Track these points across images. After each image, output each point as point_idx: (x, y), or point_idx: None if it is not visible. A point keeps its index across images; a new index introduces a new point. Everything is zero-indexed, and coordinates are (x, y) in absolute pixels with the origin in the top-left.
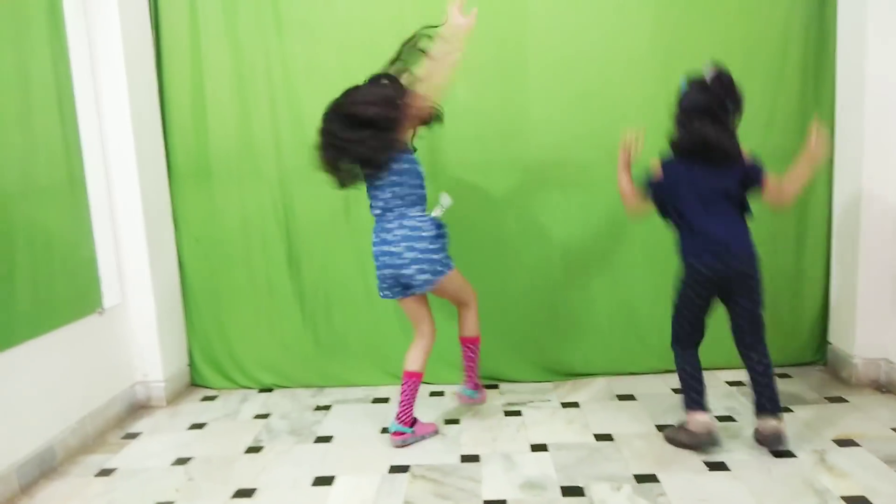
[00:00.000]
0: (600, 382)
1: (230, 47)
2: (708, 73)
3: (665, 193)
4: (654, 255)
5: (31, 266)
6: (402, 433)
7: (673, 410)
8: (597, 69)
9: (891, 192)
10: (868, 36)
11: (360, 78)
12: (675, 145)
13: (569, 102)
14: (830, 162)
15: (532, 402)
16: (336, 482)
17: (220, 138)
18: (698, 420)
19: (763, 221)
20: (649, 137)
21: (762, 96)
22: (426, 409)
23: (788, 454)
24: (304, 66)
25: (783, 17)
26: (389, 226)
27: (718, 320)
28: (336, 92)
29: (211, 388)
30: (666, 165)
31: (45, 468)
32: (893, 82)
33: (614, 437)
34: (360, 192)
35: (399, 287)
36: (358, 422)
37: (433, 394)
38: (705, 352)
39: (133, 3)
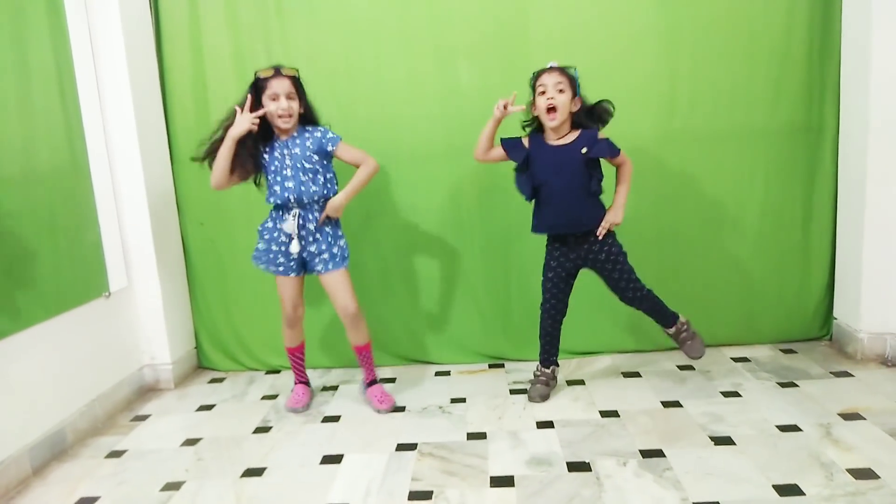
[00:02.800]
0: (605, 360)
1: (230, 30)
2: (551, 64)
3: None
4: (659, 231)
5: (36, 251)
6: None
7: (678, 386)
8: (599, 46)
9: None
10: (873, 11)
11: (362, 60)
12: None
13: None
14: (836, 138)
15: None
16: (344, 461)
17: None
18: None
19: (769, 198)
20: (650, 112)
21: (767, 74)
22: (432, 388)
23: (794, 428)
24: (305, 49)
25: None
26: None
27: (720, 296)
28: (338, 77)
29: (218, 370)
30: None
31: (57, 450)
32: None
33: (620, 413)
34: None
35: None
36: (365, 402)
37: (438, 374)
38: (710, 329)
39: None
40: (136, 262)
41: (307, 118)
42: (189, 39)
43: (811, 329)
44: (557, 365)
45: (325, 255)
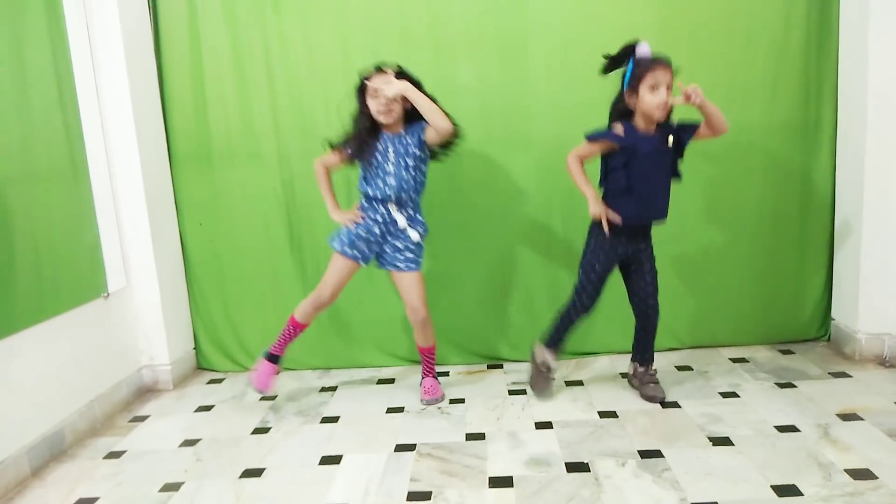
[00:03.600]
0: (604, 360)
1: (228, 28)
2: (646, 49)
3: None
4: (656, 231)
5: (35, 251)
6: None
7: (676, 387)
8: (596, 43)
9: (894, 166)
10: (871, 9)
11: (359, 58)
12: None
13: (569, 80)
14: (833, 136)
15: None
16: (343, 461)
17: (220, 121)
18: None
19: (767, 197)
20: None
21: (764, 73)
22: None
23: (792, 429)
24: (303, 47)
25: None
26: None
27: (718, 297)
28: (335, 72)
29: (217, 371)
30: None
31: (55, 451)
32: None
33: (618, 413)
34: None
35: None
36: (364, 402)
37: (438, 374)
38: (708, 329)
39: None
40: (134, 262)
41: (418, 114)
42: (187, 39)
43: (809, 330)
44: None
45: (410, 255)
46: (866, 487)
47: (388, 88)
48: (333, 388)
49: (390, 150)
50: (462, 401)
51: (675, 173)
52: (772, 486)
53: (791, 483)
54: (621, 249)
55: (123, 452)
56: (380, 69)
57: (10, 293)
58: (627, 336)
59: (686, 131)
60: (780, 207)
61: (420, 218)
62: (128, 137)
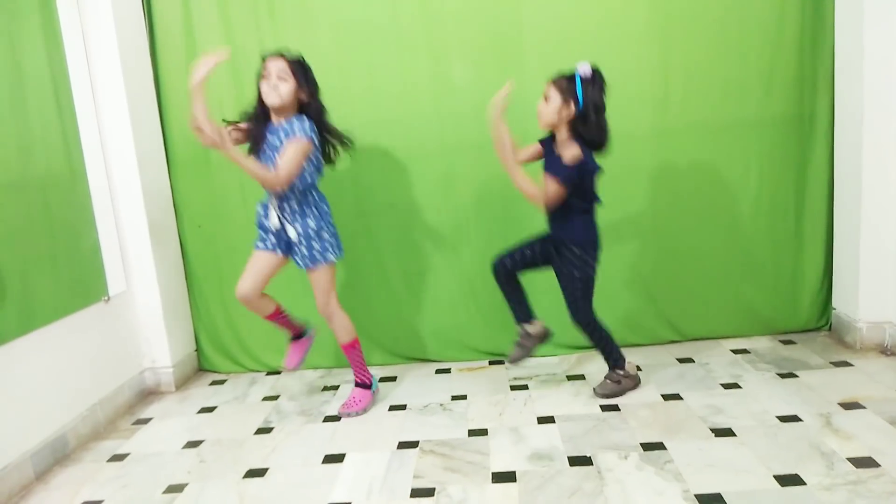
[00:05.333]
0: None
1: (224, 32)
2: (586, 70)
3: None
4: (656, 224)
5: (34, 256)
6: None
7: (678, 379)
8: (592, 41)
9: (891, 156)
10: (865, 2)
11: (355, 59)
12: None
13: None
14: (829, 127)
15: (538, 375)
16: (346, 459)
17: (217, 124)
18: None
19: (764, 189)
20: (644, 106)
21: (759, 66)
22: (433, 386)
23: (794, 418)
24: (298, 49)
25: None
26: None
27: (719, 289)
28: (331, 76)
29: (219, 372)
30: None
31: (59, 455)
32: (892, 47)
33: (620, 407)
34: (355, 173)
35: None
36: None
37: (439, 371)
38: (709, 322)
39: None
40: (134, 265)
41: (309, 108)
42: (183, 43)
43: (810, 319)
44: (534, 320)
45: (304, 249)
46: (869, 475)
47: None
48: (336, 388)
49: (268, 139)
50: (464, 397)
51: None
52: (774, 476)
53: (794, 473)
54: (548, 243)
55: (127, 455)
56: (281, 55)
57: (10, 298)
58: (629, 329)
59: (548, 165)
60: (779, 199)
61: (312, 211)
62: (125, 141)
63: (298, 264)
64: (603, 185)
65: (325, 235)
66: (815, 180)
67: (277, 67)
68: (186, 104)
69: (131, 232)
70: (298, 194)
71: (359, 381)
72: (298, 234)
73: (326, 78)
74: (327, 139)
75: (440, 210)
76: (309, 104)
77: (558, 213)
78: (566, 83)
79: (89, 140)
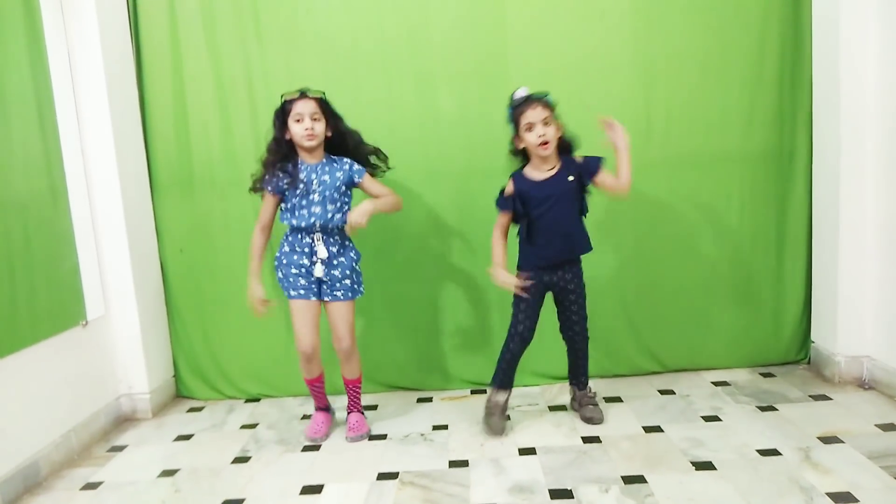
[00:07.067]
0: None
1: (210, 57)
2: (522, 92)
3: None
4: (636, 256)
5: (12, 278)
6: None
7: (659, 411)
8: (576, 73)
9: (868, 191)
10: (841, 41)
11: (341, 85)
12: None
13: None
14: (809, 163)
15: (519, 406)
16: (325, 490)
17: (202, 148)
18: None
19: (744, 222)
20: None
21: (740, 99)
22: (414, 415)
23: (774, 452)
24: (285, 75)
25: (759, 20)
26: None
27: (700, 321)
28: None
29: (197, 399)
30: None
31: (30, 483)
32: (867, 84)
33: (602, 439)
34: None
35: None
36: (345, 429)
37: (420, 400)
38: (690, 353)
39: (112, 14)
40: (114, 289)
41: (337, 144)
42: (169, 66)
43: (789, 353)
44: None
45: (347, 282)
46: None
47: (356, 216)
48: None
49: (314, 180)
50: (445, 427)
51: (581, 211)
52: None
53: None
54: (546, 279)
55: (100, 483)
56: (303, 94)
57: None
58: (610, 359)
59: (588, 172)
60: (759, 232)
61: (352, 243)
62: (108, 164)
63: (338, 298)
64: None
65: (359, 268)
66: (796, 215)
67: (310, 109)
68: (171, 127)
69: (111, 255)
70: (342, 227)
71: (358, 409)
72: (344, 266)
73: None
74: (370, 161)
75: (424, 236)
76: (335, 141)
77: (577, 225)
78: (550, 104)
79: (72, 161)
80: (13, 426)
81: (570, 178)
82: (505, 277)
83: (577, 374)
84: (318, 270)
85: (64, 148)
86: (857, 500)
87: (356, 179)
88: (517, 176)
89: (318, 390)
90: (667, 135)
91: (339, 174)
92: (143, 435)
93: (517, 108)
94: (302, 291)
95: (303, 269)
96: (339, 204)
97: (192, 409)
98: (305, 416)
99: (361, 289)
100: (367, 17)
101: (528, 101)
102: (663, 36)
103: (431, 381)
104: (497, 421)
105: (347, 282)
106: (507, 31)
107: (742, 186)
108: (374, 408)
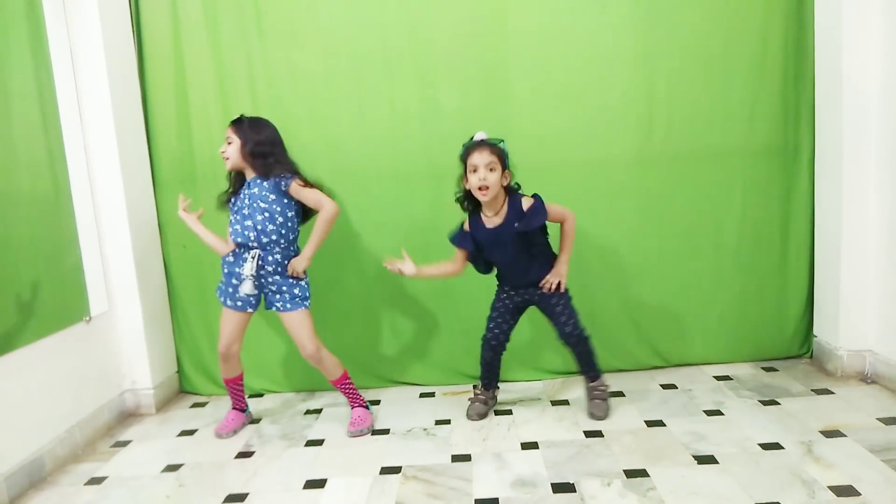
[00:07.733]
0: None
1: (213, 54)
2: (480, 136)
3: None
4: (639, 251)
5: (16, 275)
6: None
7: (661, 405)
8: (578, 69)
9: (871, 187)
10: (844, 36)
11: (343, 81)
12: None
13: (550, 103)
14: (812, 158)
15: (522, 400)
16: (328, 485)
17: (204, 144)
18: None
19: (747, 217)
20: (628, 134)
21: (743, 94)
22: (416, 410)
23: (776, 446)
24: (287, 72)
25: (762, 15)
26: None
27: (702, 316)
28: (320, 98)
29: (200, 394)
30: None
31: (35, 478)
32: (870, 78)
33: (604, 433)
34: (347, 194)
35: None
36: (348, 424)
37: (423, 395)
38: (692, 347)
39: (114, 12)
40: (117, 285)
41: (258, 157)
42: (171, 62)
43: (792, 347)
44: (498, 388)
45: (287, 294)
46: None
47: (296, 266)
48: (318, 411)
49: (246, 195)
50: (448, 422)
51: (531, 248)
52: None
53: (775, 501)
54: (518, 299)
55: (105, 478)
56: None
57: None
58: (612, 354)
59: (531, 223)
60: (762, 227)
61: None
62: (111, 160)
63: (279, 309)
64: (588, 213)
65: (304, 279)
66: (799, 209)
67: (227, 132)
68: (174, 123)
69: (115, 251)
70: (283, 243)
71: (360, 404)
72: (285, 280)
73: (315, 101)
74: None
75: (426, 232)
76: (255, 154)
77: (533, 259)
78: (499, 151)
79: (74, 158)
80: (18, 422)
81: (517, 224)
82: (398, 264)
83: (585, 370)
84: (246, 288)
85: (67, 145)
86: (860, 494)
87: (282, 187)
88: (472, 220)
89: (234, 390)
90: (669, 130)
91: (265, 183)
92: (147, 430)
93: (467, 150)
94: (239, 303)
95: (237, 282)
96: (269, 215)
97: (195, 405)
98: (309, 412)
99: (307, 303)
100: (368, 14)
101: (480, 144)
102: (665, 31)
103: (433, 376)
104: (478, 406)
105: (288, 294)
106: (509, 28)
107: (745, 182)
108: (376, 402)
